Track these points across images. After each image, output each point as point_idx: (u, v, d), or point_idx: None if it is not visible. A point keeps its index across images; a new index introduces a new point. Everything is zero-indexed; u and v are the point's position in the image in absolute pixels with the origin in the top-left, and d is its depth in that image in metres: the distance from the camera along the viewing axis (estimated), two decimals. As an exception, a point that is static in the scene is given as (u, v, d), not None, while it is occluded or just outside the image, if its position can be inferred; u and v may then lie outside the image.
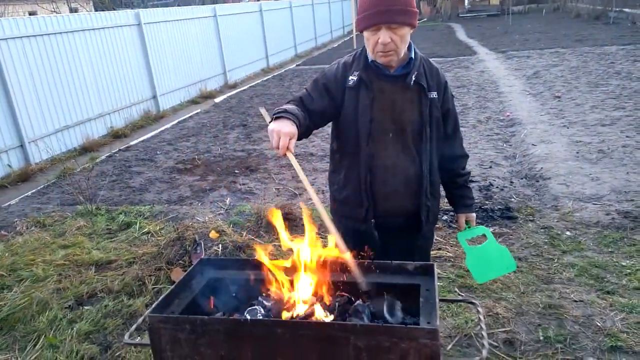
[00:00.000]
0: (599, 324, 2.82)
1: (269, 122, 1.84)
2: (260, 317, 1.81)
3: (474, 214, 2.33)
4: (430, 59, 2.17)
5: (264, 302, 1.91)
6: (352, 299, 1.83)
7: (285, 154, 1.77)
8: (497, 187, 4.98)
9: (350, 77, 2.07)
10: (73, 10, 23.40)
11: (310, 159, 6.29)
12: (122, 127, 8.88)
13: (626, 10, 20.41)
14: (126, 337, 1.80)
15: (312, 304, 1.69)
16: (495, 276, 2.46)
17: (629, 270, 3.32)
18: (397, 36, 1.92)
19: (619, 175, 4.96)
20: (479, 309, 1.70)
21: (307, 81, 12.59)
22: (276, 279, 1.84)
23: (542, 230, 4.01)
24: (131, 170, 6.64)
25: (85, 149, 7.78)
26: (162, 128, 9.02)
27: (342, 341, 1.54)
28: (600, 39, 14.92)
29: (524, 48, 14.75)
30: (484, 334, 1.56)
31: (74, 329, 3.12)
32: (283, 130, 1.77)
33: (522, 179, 5.21)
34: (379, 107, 2.05)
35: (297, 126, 1.84)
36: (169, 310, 1.81)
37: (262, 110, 2.00)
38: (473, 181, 5.17)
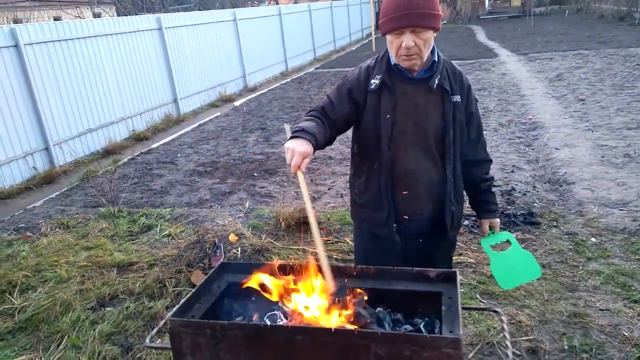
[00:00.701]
0: (626, 334, 2.74)
1: (288, 139, 1.89)
2: (280, 323, 1.80)
3: (497, 220, 2.29)
4: (453, 62, 2.15)
5: (284, 307, 1.90)
6: (374, 306, 1.81)
7: (296, 173, 1.82)
8: (519, 191, 4.90)
9: (373, 81, 2.06)
10: (96, 16, 23.88)
11: (329, 163, 6.28)
12: (144, 130, 9.01)
13: (652, 10, 19.92)
14: (147, 340, 1.81)
15: (333, 311, 1.68)
16: (520, 282, 2.42)
17: (657, 279, 3.23)
18: (421, 40, 1.90)
19: (646, 180, 4.83)
20: (503, 317, 1.67)
21: (326, 84, 12.63)
22: (295, 286, 1.83)
23: (566, 236, 3.93)
24: (152, 173, 6.73)
25: (108, 152, 7.91)
26: (183, 131, 9.13)
27: (362, 349, 1.53)
28: (625, 41, 14.59)
29: (546, 50, 14.51)
30: (508, 343, 1.52)
31: (96, 330, 3.16)
32: (297, 149, 1.80)
33: (545, 183, 5.11)
34: (402, 110, 2.04)
35: (313, 145, 1.87)
36: (189, 314, 1.81)
37: (286, 127, 2.03)
38: (495, 186, 5.09)
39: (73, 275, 3.88)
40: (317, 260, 1.79)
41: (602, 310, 2.98)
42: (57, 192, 6.24)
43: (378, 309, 1.77)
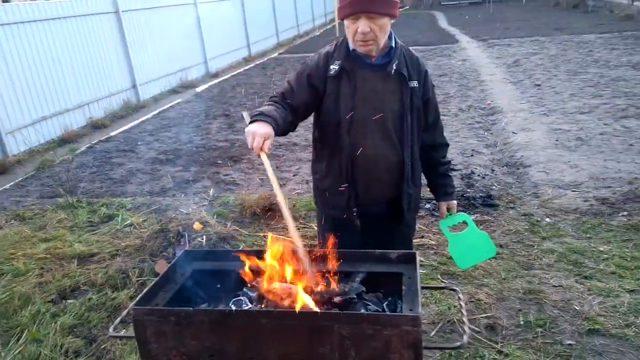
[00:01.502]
0: (577, 308, 2.90)
1: (248, 124, 1.89)
2: (246, 308, 1.82)
3: (455, 202, 2.37)
4: (411, 48, 2.19)
5: (249, 293, 1.92)
6: (341, 288, 1.84)
7: (259, 155, 1.83)
8: (478, 175, 5.05)
9: (332, 67, 2.08)
10: (48, -2, 22.76)
11: (294, 149, 6.27)
12: (102, 117, 8.72)
13: (604, -2, 20.64)
14: (111, 330, 1.79)
15: (297, 294, 1.70)
16: (476, 261, 2.51)
17: (606, 255, 3.41)
18: (377, 26, 1.93)
19: (597, 162, 5.07)
20: (460, 295, 1.74)
21: (290, 70, 12.54)
22: (261, 269, 1.85)
23: (522, 217, 4.09)
24: (112, 162, 6.55)
25: (64, 140, 7.63)
26: (143, 118, 8.90)
27: (326, 330, 1.56)
28: (578, 28, 15.11)
29: (505, 36, 14.86)
30: (465, 320, 1.59)
31: (58, 322, 3.09)
32: (258, 131, 1.82)
33: (503, 166, 5.29)
34: (360, 96, 2.07)
35: (273, 127, 1.88)
36: (153, 302, 1.80)
37: (245, 114, 2.04)
38: (455, 169, 5.22)
39: (31, 268, 3.77)
40: (286, 241, 1.81)
41: (555, 286, 3.14)
42: (11, 183, 5.99)
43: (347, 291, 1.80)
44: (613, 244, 3.56)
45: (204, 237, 3.95)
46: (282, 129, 1.99)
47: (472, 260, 2.40)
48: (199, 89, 11.26)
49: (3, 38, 6.88)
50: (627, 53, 10.53)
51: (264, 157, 1.83)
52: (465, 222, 2.33)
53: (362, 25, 1.92)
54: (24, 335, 3.01)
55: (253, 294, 1.88)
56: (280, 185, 5.20)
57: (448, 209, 2.35)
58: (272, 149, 6.44)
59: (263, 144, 1.81)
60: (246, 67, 13.94)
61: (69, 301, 3.36)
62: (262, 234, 4.13)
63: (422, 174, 2.32)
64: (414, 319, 1.48)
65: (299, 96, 2.09)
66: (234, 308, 1.78)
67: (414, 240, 2.98)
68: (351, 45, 2.04)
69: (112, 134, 7.97)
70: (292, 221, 1.82)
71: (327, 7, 28.26)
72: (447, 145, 2.36)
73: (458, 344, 1.50)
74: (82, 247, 4.07)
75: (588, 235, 3.73)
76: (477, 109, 7.62)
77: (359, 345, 1.55)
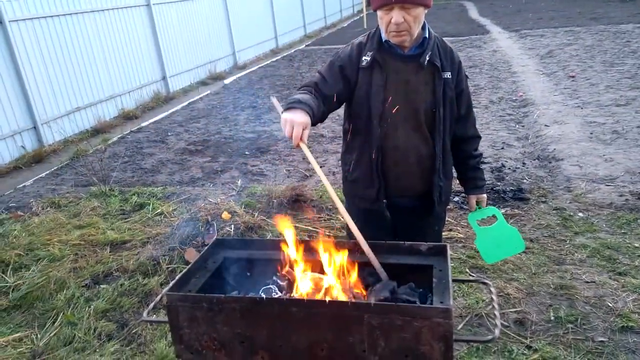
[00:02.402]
0: (610, 305, 2.83)
1: (282, 113, 1.83)
2: (276, 296, 1.84)
3: (484, 195, 2.33)
4: (444, 39, 2.15)
5: (279, 281, 1.94)
6: (371, 279, 1.85)
7: (299, 145, 1.77)
8: (509, 168, 4.95)
9: (364, 58, 2.06)
10: (81, -9, 23.25)
11: (321, 141, 6.28)
12: (133, 108, 8.90)
13: (644, -14, 19.82)
14: (145, 314, 1.84)
15: (328, 284, 1.71)
16: (504, 257, 2.48)
17: (641, 252, 3.31)
18: (411, 16, 1.91)
19: (633, 156, 4.90)
20: (492, 289, 1.71)
21: (317, 62, 12.52)
22: (292, 259, 1.86)
23: (554, 211, 4.00)
24: (143, 152, 6.69)
25: (97, 131, 7.83)
26: (173, 109, 9.04)
27: (356, 320, 1.57)
28: (615, 17, 14.56)
29: (538, 27, 14.45)
30: (497, 313, 1.57)
31: (91, 307, 3.19)
32: (296, 120, 1.76)
33: (534, 160, 5.17)
34: (393, 87, 2.05)
35: (310, 116, 1.82)
36: (185, 288, 1.84)
37: (273, 100, 1.97)
38: (485, 162, 5.13)
39: (66, 254, 3.89)
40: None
41: (587, 282, 3.06)
42: (47, 172, 6.19)
43: (377, 285, 1.80)
44: (649, 241, 3.45)
45: (232, 226, 4.00)
46: (317, 118, 1.94)
47: (500, 255, 2.36)
48: (227, 81, 11.36)
49: (39, 31, 7.07)
50: (667, 43, 10.11)
51: (304, 147, 1.77)
52: (494, 216, 2.30)
53: (396, 16, 1.89)
54: (59, 318, 3.12)
55: (283, 283, 1.90)
56: (307, 177, 5.23)
57: (478, 203, 2.32)
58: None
59: (302, 133, 1.76)
60: (273, 59, 13.98)
61: (102, 286, 3.46)
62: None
63: (453, 167, 2.30)
64: (445, 311, 1.47)
65: (331, 86, 2.07)
66: (264, 296, 1.80)
67: (443, 233, 2.95)
68: (384, 36, 2.02)
69: (143, 124, 8.12)
70: (342, 208, 1.85)
71: (355, -2, 28.02)
72: (479, 137, 2.32)
73: (490, 337, 1.49)
74: (115, 234, 4.18)
75: (623, 231, 3.62)
76: (509, 101, 7.46)
77: (389, 335, 1.55)
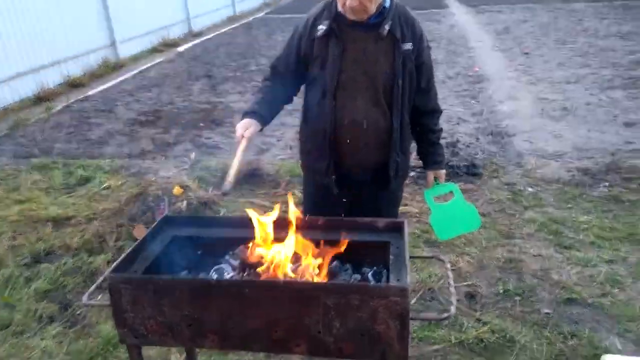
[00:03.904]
0: (555, 278, 2.93)
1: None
2: (228, 277, 1.77)
3: (443, 171, 2.31)
4: (407, 8, 2.08)
5: (231, 260, 1.87)
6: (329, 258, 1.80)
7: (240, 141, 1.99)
8: (463, 143, 5.01)
9: (320, 27, 1.98)
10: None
11: (279, 113, 6.14)
12: (79, 75, 8.39)
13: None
14: (85, 297, 1.73)
15: (283, 264, 1.66)
16: (459, 233, 2.49)
17: (585, 226, 3.44)
18: None
19: (581, 132, 5.08)
20: (447, 265, 1.71)
21: (276, 31, 12.21)
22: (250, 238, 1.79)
23: (505, 186, 4.09)
24: (90, 122, 6.34)
25: (40, 99, 7.33)
26: (122, 78, 8.60)
27: (312, 300, 1.53)
28: (570, -5, 14.92)
29: (495, 2, 14.62)
30: (452, 290, 1.57)
31: (31, 287, 3.01)
32: (240, 124, 2.02)
33: (488, 135, 5.26)
34: (350, 57, 1.97)
35: (259, 122, 2.05)
36: (131, 269, 1.74)
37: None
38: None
39: (4, 231, 3.65)
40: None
41: (534, 256, 3.16)
42: (-17, 142, 5.78)
43: (334, 262, 1.77)
44: (593, 215, 3.60)
45: (185, 202, 3.85)
46: (273, 115, 2.15)
47: (454, 231, 2.36)
48: (181, 49, 10.91)
49: (-30, -13, 6.48)
50: (617, 23, 10.47)
51: (243, 142, 1.98)
52: (452, 193, 2.29)
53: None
54: (-4, 299, 2.94)
55: (235, 262, 1.83)
56: (264, 150, 5.11)
57: (435, 178, 2.30)
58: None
59: (244, 133, 1.98)
60: (231, 27, 13.52)
61: (43, 265, 3.26)
62: (244, 200, 4.07)
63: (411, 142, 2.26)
64: (402, 289, 1.45)
65: (288, 63, 2.06)
66: (215, 276, 1.73)
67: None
68: (340, 9, 1.93)
69: (90, 93, 7.69)
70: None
71: (314, -34, 27.39)
72: (440, 112, 2.26)
73: (445, 315, 1.48)
74: (58, 209, 3.95)
75: (569, 206, 3.75)
76: (465, 76, 7.54)
77: (345, 315, 1.52)
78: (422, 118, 2.19)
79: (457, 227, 2.33)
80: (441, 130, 2.29)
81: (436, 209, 2.29)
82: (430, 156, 2.27)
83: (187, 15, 12.62)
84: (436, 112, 2.23)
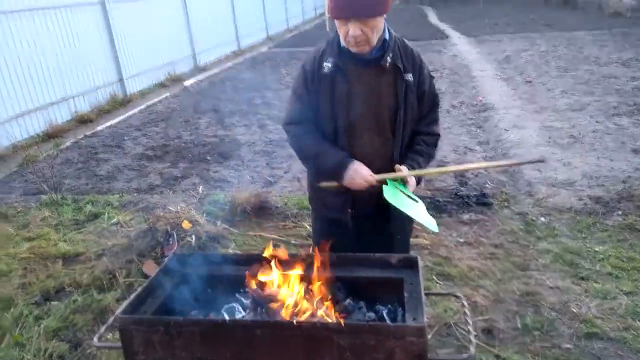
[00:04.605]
0: (574, 311, 2.85)
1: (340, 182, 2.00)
2: (239, 316, 1.73)
3: (413, 180, 2.08)
4: (405, 40, 2.11)
5: (242, 299, 1.83)
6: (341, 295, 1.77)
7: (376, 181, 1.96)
8: (471, 172, 4.99)
9: (325, 64, 2.00)
10: (32, -12, 22.26)
11: (285, 145, 6.16)
12: (88, 111, 8.52)
13: (593, -5, 20.75)
14: (95, 339, 1.70)
15: (296, 303, 1.63)
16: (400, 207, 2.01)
17: (602, 256, 3.38)
18: (368, 27, 1.85)
19: (590, 160, 5.05)
20: (465, 302, 1.67)
21: (280, 65, 12.40)
22: (260, 276, 1.76)
23: (517, 216, 4.05)
24: (98, 158, 6.39)
25: (49, 135, 7.42)
26: (130, 113, 8.71)
27: (325, 341, 1.49)
28: (568, 24, 15.14)
29: (495, 32, 14.85)
30: (471, 329, 1.53)
31: (41, 325, 2.97)
32: (358, 172, 1.96)
33: (496, 164, 5.23)
34: (356, 93, 1.99)
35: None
36: (141, 310, 1.71)
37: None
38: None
39: (14, 268, 3.63)
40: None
41: (551, 288, 3.09)
42: (-7, 179, 5.82)
43: (348, 300, 1.73)
44: (608, 244, 3.53)
45: (193, 236, 3.84)
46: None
47: (399, 203, 1.98)
48: (187, 83, 11.08)
49: (-16, 29, 6.66)
50: (617, 50, 10.56)
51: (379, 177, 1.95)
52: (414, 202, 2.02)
53: (353, 29, 1.83)
54: (6, 339, 2.89)
55: (247, 301, 1.80)
56: (271, 183, 5.11)
57: (404, 184, 2.05)
58: (263, 145, 6.33)
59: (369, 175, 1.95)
60: (236, 61, 13.77)
61: (53, 303, 3.24)
62: (252, 233, 4.04)
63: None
64: (419, 329, 1.41)
65: (310, 107, 2.05)
66: (227, 317, 1.70)
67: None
68: (343, 44, 1.96)
69: (98, 128, 7.78)
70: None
71: (317, 1, 28.07)
72: (436, 134, 2.16)
73: (466, 355, 1.43)
74: (67, 246, 3.94)
75: (583, 235, 3.69)
76: (469, 106, 7.58)
77: (360, 356, 1.48)
78: (416, 135, 2.13)
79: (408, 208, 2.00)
80: (432, 149, 2.15)
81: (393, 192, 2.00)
82: (408, 160, 2.08)
83: (193, 50, 12.87)
84: (432, 134, 2.15)
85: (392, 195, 1.96)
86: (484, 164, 1.79)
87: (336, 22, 1.91)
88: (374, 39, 1.90)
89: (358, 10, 1.80)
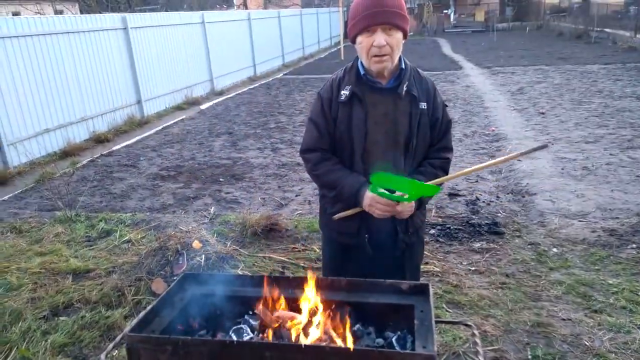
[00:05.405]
0: (587, 344, 2.79)
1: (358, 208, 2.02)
2: (247, 338, 1.73)
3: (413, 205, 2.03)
4: (420, 70, 2.15)
5: (251, 321, 1.83)
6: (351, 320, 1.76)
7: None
8: (483, 201, 4.97)
9: (343, 92, 2.04)
10: (58, 12, 23.09)
11: (297, 169, 6.22)
12: (105, 131, 8.70)
13: (607, 30, 20.90)
14: (102, 356, 1.70)
15: (305, 326, 1.62)
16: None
17: (615, 289, 3.31)
18: (393, 39, 1.90)
19: (604, 192, 5.00)
20: (475, 331, 1.65)
21: (294, 91, 12.59)
22: (267, 298, 1.76)
23: (529, 246, 4.00)
24: (113, 176, 6.49)
25: (66, 154, 7.59)
26: (146, 134, 8.87)
27: (333, 365, 1.47)
28: (582, 58, 15.22)
29: (509, 64, 14.96)
30: (481, 358, 1.50)
31: (49, 340, 2.98)
32: (375, 203, 1.96)
33: (508, 194, 5.22)
34: (373, 120, 2.02)
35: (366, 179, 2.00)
36: (149, 329, 1.71)
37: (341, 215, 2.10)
38: (459, 195, 5.16)
39: (24, 283, 3.66)
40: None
41: (564, 320, 3.03)
42: (10, 195, 5.92)
43: (357, 325, 1.72)
44: (622, 277, 3.47)
45: (203, 256, 3.85)
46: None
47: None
48: (203, 106, 11.29)
49: (10, 50, 6.89)
50: (631, 84, 10.56)
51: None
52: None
53: (379, 38, 1.88)
54: (13, 353, 2.89)
55: (255, 323, 1.79)
56: (282, 206, 5.14)
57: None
58: (276, 168, 6.39)
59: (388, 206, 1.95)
60: (251, 86, 14.01)
61: (61, 318, 3.25)
62: (262, 255, 4.04)
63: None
64: (429, 357, 1.39)
65: (329, 133, 2.07)
66: (235, 338, 1.69)
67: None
68: (365, 63, 1.99)
69: (115, 148, 7.93)
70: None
71: (333, 30, 28.62)
72: (445, 158, 2.15)
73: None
74: (78, 262, 3.97)
75: (596, 267, 3.63)
76: (482, 135, 7.59)
77: (368, 382, 1.46)
78: (426, 159, 2.12)
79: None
80: (437, 170, 2.11)
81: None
82: (415, 174, 2.05)
83: (211, 75, 13.14)
84: (442, 159, 2.13)
85: (384, 180, 1.89)
86: (487, 163, 1.77)
87: (359, 38, 1.94)
88: (395, 56, 1.95)
89: (386, 17, 1.86)
